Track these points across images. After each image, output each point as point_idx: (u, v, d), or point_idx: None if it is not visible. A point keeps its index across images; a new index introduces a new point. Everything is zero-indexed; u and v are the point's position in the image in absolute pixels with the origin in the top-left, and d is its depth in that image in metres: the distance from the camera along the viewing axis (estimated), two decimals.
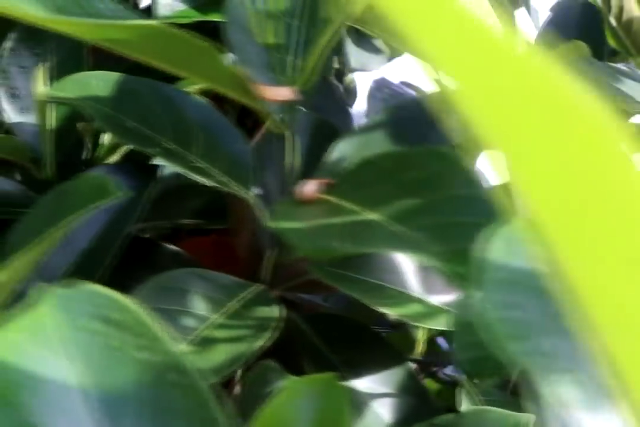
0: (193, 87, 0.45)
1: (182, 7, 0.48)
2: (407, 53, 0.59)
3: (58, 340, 0.22)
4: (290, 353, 0.42)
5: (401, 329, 0.49)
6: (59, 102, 0.45)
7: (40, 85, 0.44)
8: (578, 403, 0.24)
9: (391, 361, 0.43)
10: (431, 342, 0.53)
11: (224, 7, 0.40)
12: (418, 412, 0.42)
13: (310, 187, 0.33)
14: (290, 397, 0.31)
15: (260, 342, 0.35)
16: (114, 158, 0.47)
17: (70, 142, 0.47)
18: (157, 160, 0.52)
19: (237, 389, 0.42)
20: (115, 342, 0.22)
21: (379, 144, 0.41)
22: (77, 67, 0.48)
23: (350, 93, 0.89)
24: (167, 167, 0.45)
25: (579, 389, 0.24)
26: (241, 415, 0.35)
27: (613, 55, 0.69)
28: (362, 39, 0.80)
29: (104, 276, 0.37)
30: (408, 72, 0.86)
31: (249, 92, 0.32)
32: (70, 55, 0.48)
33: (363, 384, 0.42)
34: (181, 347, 0.22)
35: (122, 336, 0.22)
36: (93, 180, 0.30)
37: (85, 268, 0.37)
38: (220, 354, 0.34)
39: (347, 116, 0.60)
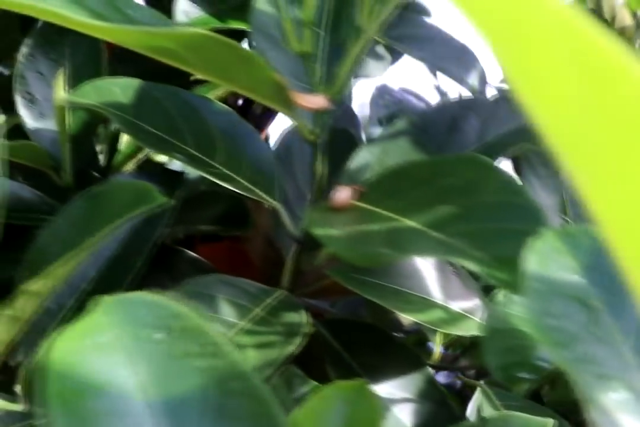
0: (214, 94, 0.45)
1: (200, 14, 0.48)
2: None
3: (120, 349, 0.22)
4: (310, 358, 0.42)
5: (414, 334, 0.50)
6: (78, 108, 0.45)
7: (60, 91, 0.44)
8: (624, 407, 0.24)
9: (410, 366, 0.43)
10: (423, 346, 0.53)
11: (249, 15, 0.40)
12: (438, 418, 0.42)
13: (344, 194, 0.33)
14: (321, 403, 0.32)
15: (291, 347, 0.35)
16: (132, 165, 0.47)
17: (87, 148, 0.47)
18: (173, 166, 0.53)
19: None
20: (177, 351, 0.22)
21: (400, 151, 0.42)
22: (95, 73, 0.48)
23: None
24: (189, 173, 0.45)
25: (625, 394, 0.24)
26: None
27: None
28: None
29: (132, 283, 0.37)
30: (406, 78, 0.86)
31: (287, 101, 0.32)
32: (87, 61, 0.48)
33: (383, 389, 0.42)
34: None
35: (184, 345, 0.22)
36: (133, 187, 0.30)
37: (113, 275, 0.37)
38: (251, 360, 0.35)
39: (356, 122, 0.61)
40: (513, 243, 0.27)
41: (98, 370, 0.22)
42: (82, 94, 0.43)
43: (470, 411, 0.52)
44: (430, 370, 0.44)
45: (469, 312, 0.42)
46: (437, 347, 0.46)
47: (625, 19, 0.87)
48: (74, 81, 0.47)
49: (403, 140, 0.42)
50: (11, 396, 0.38)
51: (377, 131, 0.71)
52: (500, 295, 0.36)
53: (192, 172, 0.48)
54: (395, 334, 0.51)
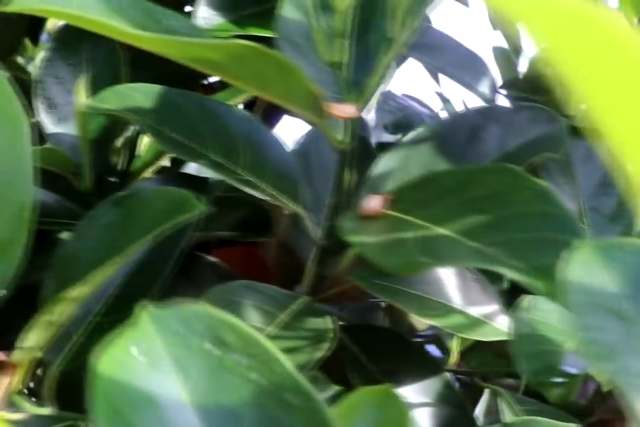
0: (234, 100, 0.46)
1: (220, 20, 0.48)
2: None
3: (169, 359, 0.22)
4: (330, 363, 0.43)
5: (430, 339, 0.50)
6: (98, 113, 0.45)
7: (82, 96, 0.44)
8: None
9: (428, 370, 0.44)
10: None
11: (275, 23, 0.41)
12: (456, 423, 0.43)
13: (375, 202, 0.34)
14: (350, 410, 0.32)
15: (320, 353, 0.36)
16: (150, 171, 0.47)
17: (106, 153, 0.47)
18: (191, 170, 0.53)
19: None
20: (229, 362, 0.22)
21: (422, 159, 0.42)
22: (114, 78, 0.48)
23: None
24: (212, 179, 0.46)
25: None
26: None
27: None
28: None
29: (160, 289, 0.37)
30: (408, 84, 0.87)
31: (319, 110, 0.32)
32: (105, 66, 0.48)
33: (402, 393, 0.43)
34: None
35: (235, 356, 0.22)
36: (170, 194, 0.31)
37: (141, 281, 0.37)
38: None
39: (367, 128, 0.61)
40: (550, 253, 0.28)
41: (147, 381, 0.22)
42: (104, 99, 0.43)
43: (478, 413, 0.53)
44: (448, 374, 0.44)
45: (487, 317, 0.43)
46: (454, 352, 0.46)
47: None
48: (93, 86, 0.47)
49: (424, 148, 0.43)
50: (38, 400, 0.38)
51: (384, 137, 0.71)
52: (525, 301, 0.37)
53: (211, 177, 0.48)
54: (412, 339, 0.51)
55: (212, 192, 0.45)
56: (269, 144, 0.42)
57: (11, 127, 0.36)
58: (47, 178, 0.47)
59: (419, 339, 0.53)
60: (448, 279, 0.43)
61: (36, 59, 0.50)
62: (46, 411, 0.36)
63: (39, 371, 0.41)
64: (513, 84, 0.77)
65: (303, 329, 0.38)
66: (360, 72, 0.35)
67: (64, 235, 0.47)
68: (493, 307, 0.43)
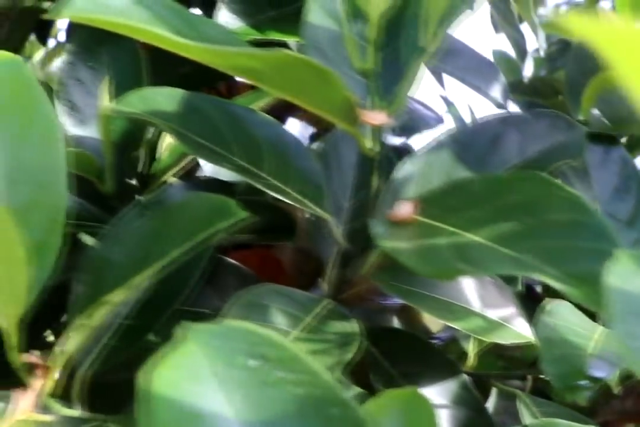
0: (256, 105, 0.46)
1: (240, 25, 0.49)
2: None
3: (214, 377, 0.22)
4: (351, 365, 0.43)
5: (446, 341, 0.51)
6: (123, 116, 0.45)
7: (106, 100, 0.44)
8: None
9: (447, 372, 0.45)
10: None
11: (301, 30, 0.41)
12: (475, 425, 0.43)
13: (406, 208, 0.34)
14: (377, 413, 0.32)
15: (349, 355, 0.36)
16: (171, 174, 0.48)
17: (127, 156, 0.48)
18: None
19: None
20: (273, 379, 0.22)
21: (443, 165, 0.43)
22: (135, 81, 0.48)
23: None
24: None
25: None
26: None
27: None
28: None
29: (192, 294, 0.38)
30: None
31: (353, 118, 0.33)
32: (126, 69, 0.49)
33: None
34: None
35: (279, 372, 0.22)
36: (211, 201, 0.31)
37: (171, 284, 0.38)
38: None
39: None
40: (586, 261, 0.28)
41: (193, 398, 0.22)
42: (129, 103, 0.44)
43: None
44: (466, 376, 0.45)
45: (505, 320, 0.43)
46: (471, 354, 0.47)
47: None
48: (114, 89, 0.48)
49: (446, 154, 0.43)
50: (65, 401, 0.39)
51: (390, 140, 0.72)
52: (547, 305, 0.38)
53: (228, 180, 0.49)
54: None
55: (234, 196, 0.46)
56: (293, 149, 0.43)
57: (45, 131, 0.36)
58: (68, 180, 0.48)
59: (434, 341, 0.53)
60: (467, 282, 0.44)
61: (34, 58, 0.50)
62: (75, 412, 0.37)
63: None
64: (517, 87, 0.78)
65: (329, 332, 0.39)
66: (391, 80, 0.36)
67: (84, 237, 0.47)
68: (511, 310, 0.44)
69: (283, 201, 0.42)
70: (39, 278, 0.34)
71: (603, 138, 0.47)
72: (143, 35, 0.29)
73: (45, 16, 0.29)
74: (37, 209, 0.35)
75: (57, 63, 0.49)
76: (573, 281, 0.28)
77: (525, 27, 0.81)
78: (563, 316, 0.37)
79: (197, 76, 0.57)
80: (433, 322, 0.55)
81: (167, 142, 0.49)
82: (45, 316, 0.44)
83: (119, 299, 0.31)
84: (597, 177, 0.46)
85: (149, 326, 0.37)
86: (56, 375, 0.34)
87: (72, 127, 0.48)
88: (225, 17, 0.49)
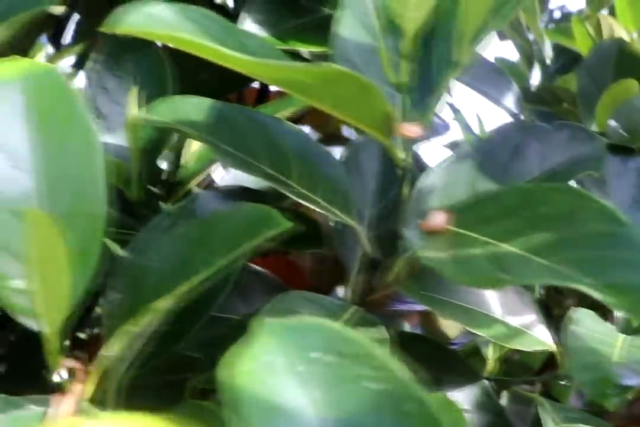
0: (282, 114, 0.47)
1: (263, 35, 0.50)
2: None
3: (292, 372, 0.23)
4: None
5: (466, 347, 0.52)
6: (152, 125, 0.46)
7: (134, 108, 0.45)
8: None
9: (468, 378, 0.45)
10: None
11: (330, 41, 0.42)
12: None
13: (440, 218, 0.35)
14: None
15: None
16: (197, 181, 0.49)
17: (153, 164, 0.48)
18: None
19: None
20: (349, 374, 0.23)
21: (466, 176, 0.44)
22: (160, 90, 0.49)
23: None
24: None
25: None
26: None
27: None
28: None
29: (225, 299, 0.38)
30: None
31: (390, 130, 0.34)
32: (152, 77, 0.50)
33: None
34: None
35: (356, 368, 0.23)
36: (254, 211, 0.32)
37: (206, 293, 0.38)
38: None
39: None
40: (623, 271, 0.29)
41: (273, 392, 0.23)
42: (157, 112, 0.44)
43: None
44: (487, 382, 0.46)
45: (526, 327, 0.44)
46: (491, 360, 0.48)
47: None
48: (140, 97, 0.48)
49: (468, 164, 0.44)
50: (101, 406, 0.39)
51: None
52: (574, 314, 0.39)
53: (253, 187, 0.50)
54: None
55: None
56: (320, 157, 0.44)
57: (84, 141, 0.37)
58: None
59: (453, 347, 0.54)
60: (489, 290, 0.45)
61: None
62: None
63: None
64: (525, 95, 0.79)
65: None
66: (424, 93, 0.37)
67: (109, 242, 0.48)
68: (531, 317, 0.45)
69: (305, 207, 0.43)
70: (80, 284, 0.35)
71: (621, 149, 0.48)
72: (193, 47, 0.30)
73: (102, 29, 0.29)
74: (78, 217, 0.36)
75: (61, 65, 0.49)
76: (611, 290, 0.29)
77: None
78: (588, 324, 0.38)
79: (215, 83, 0.58)
80: (450, 328, 0.55)
81: (193, 149, 0.50)
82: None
83: (165, 306, 0.32)
84: (615, 187, 0.47)
85: (184, 332, 0.38)
86: (96, 380, 0.35)
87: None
88: (250, 27, 0.49)
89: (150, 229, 0.40)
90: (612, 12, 0.90)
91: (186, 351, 0.42)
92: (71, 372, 0.36)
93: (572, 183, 0.48)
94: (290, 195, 0.41)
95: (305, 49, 0.51)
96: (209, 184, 0.49)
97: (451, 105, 0.84)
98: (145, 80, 0.50)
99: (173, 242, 0.35)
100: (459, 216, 0.36)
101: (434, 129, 0.77)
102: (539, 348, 0.43)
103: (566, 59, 0.87)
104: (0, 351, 0.54)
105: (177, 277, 0.32)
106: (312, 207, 0.41)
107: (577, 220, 0.33)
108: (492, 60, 1.07)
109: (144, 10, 0.29)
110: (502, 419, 0.45)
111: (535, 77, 0.80)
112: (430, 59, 0.37)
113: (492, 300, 0.45)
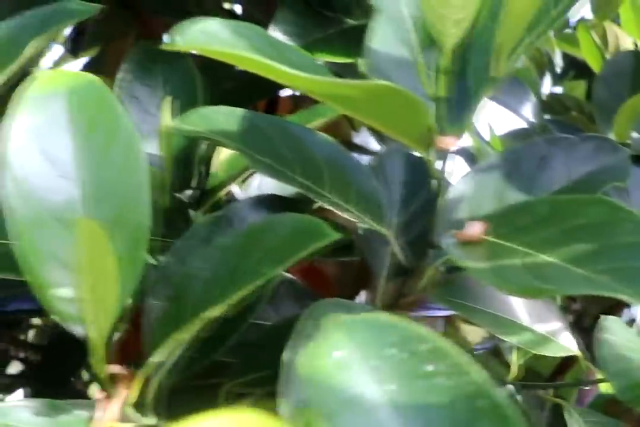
0: (312, 124, 0.48)
1: (293, 46, 0.50)
2: None
3: (366, 366, 0.24)
4: None
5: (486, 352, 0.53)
6: (185, 135, 0.47)
7: (168, 118, 0.46)
8: None
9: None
10: None
11: (364, 54, 0.43)
12: None
13: (476, 228, 0.36)
14: None
15: None
16: (227, 189, 0.49)
17: (184, 171, 0.49)
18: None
19: None
20: (423, 370, 0.24)
21: (494, 186, 0.45)
22: (190, 99, 0.50)
23: None
24: None
25: None
26: None
27: None
28: None
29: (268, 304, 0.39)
30: None
31: (429, 143, 0.35)
32: (182, 87, 0.50)
33: None
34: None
35: (429, 364, 0.24)
36: (300, 221, 0.33)
37: (246, 300, 0.39)
38: None
39: None
40: None
41: (349, 385, 0.23)
42: (190, 122, 0.45)
43: None
44: (512, 387, 0.47)
45: (552, 334, 0.45)
46: (514, 366, 0.49)
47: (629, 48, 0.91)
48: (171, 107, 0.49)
49: (496, 174, 0.45)
50: (142, 410, 0.40)
51: None
52: (604, 322, 0.40)
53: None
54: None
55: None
56: (351, 167, 0.45)
57: (128, 149, 0.38)
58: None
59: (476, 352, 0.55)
60: (516, 298, 0.46)
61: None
62: (152, 420, 0.38)
63: None
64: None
65: None
66: (460, 106, 0.38)
67: None
68: (557, 324, 0.46)
69: (331, 213, 0.44)
70: (127, 292, 0.35)
71: None
72: (247, 63, 0.30)
73: (163, 47, 0.30)
74: (123, 225, 0.37)
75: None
76: None
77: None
78: (617, 331, 0.39)
79: (240, 93, 0.59)
80: (472, 334, 0.56)
81: (222, 158, 0.51)
82: None
83: (214, 315, 0.32)
84: (636, 197, 0.48)
85: (225, 338, 0.39)
86: (141, 385, 0.36)
87: None
88: (279, 38, 0.50)
89: (187, 238, 0.41)
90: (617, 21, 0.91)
91: (220, 356, 0.42)
92: (112, 378, 0.37)
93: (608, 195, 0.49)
94: (326, 206, 0.42)
95: (331, 60, 0.52)
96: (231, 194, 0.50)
97: None
98: (176, 90, 0.50)
99: (218, 252, 0.36)
100: (495, 226, 0.37)
101: None
102: (564, 354, 0.44)
103: (570, 66, 0.88)
104: (31, 356, 0.55)
105: (226, 287, 0.33)
106: (345, 215, 0.42)
107: (613, 231, 0.33)
108: None
109: (201, 28, 0.30)
110: (527, 424, 0.45)
111: (546, 86, 0.81)
112: (467, 73, 0.38)
113: (519, 307, 0.46)
